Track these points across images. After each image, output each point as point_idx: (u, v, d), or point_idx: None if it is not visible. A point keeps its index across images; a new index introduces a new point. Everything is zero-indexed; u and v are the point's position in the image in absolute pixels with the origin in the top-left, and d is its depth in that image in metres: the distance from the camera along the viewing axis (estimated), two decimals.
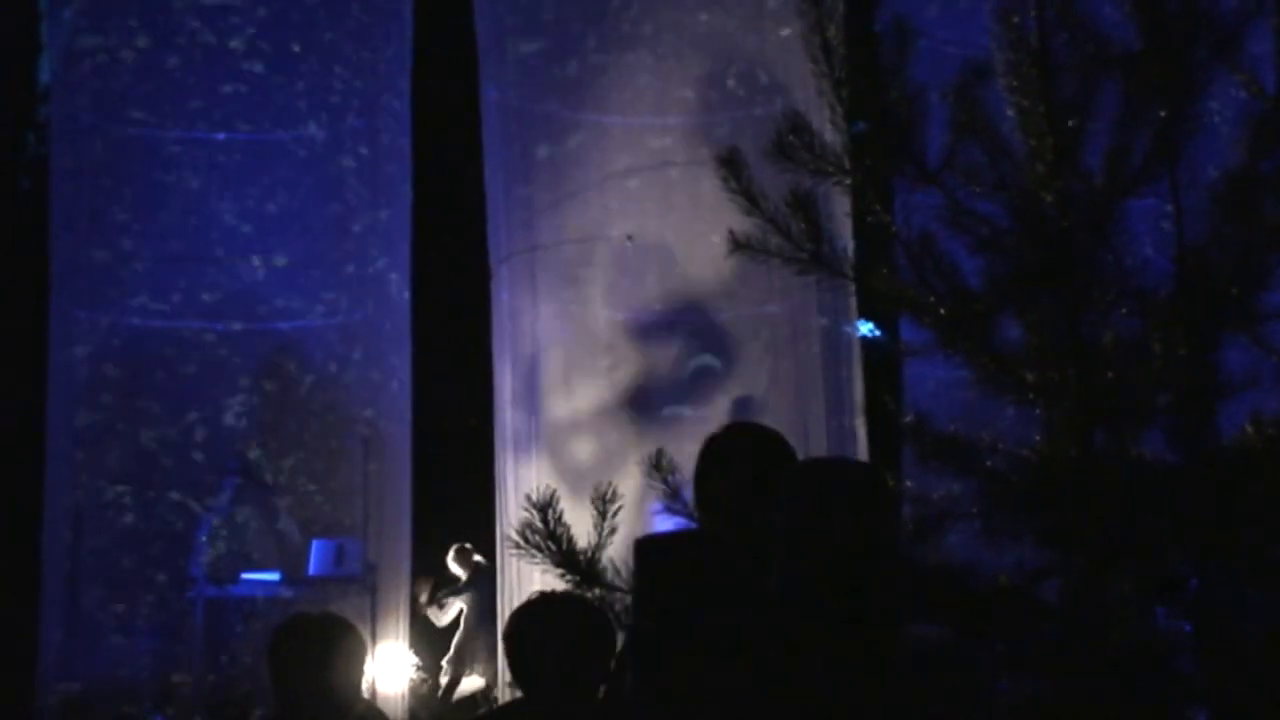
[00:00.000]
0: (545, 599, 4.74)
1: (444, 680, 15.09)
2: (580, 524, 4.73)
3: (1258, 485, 4.12)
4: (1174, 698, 4.20)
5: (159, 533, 12.65)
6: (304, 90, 13.48)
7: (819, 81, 4.49)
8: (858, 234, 4.73)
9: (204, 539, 12.29)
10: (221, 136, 13.28)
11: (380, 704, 11.38)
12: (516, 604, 11.86)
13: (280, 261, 13.31)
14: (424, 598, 15.18)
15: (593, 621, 4.58)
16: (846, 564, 3.42)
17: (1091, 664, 4.01)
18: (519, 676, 4.72)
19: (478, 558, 15.26)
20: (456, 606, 15.25)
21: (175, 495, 12.74)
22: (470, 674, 15.00)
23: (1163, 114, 4.26)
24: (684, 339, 12.45)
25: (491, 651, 14.04)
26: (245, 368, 13.14)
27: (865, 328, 13.10)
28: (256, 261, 13.25)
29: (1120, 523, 4.09)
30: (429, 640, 15.08)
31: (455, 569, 15.38)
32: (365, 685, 5.69)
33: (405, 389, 13.80)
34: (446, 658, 15.11)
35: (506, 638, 4.80)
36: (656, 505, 4.92)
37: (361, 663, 5.15)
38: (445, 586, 15.52)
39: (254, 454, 12.81)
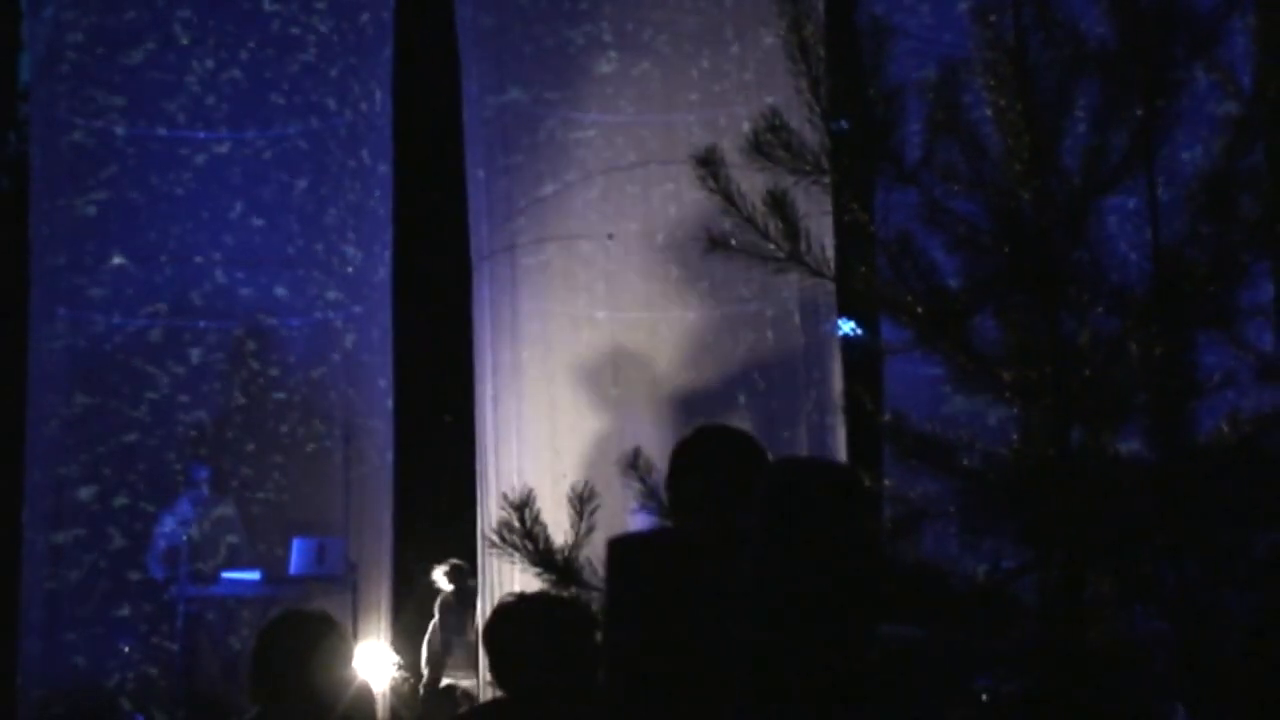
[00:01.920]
0: (523, 599, 4.73)
1: (422, 682, 15.04)
2: (560, 522, 4.73)
3: (1234, 483, 4.12)
4: (1152, 697, 4.21)
5: (139, 532, 12.62)
6: (285, 90, 13.45)
7: (797, 80, 4.49)
8: (836, 233, 4.72)
9: (164, 541, 12.29)
10: (202, 135, 13.26)
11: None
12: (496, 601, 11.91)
13: (261, 260, 13.29)
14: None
15: (572, 621, 4.57)
16: (822, 564, 3.42)
17: (1069, 663, 4.02)
18: (499, 676, 4.71)
19: (472, 582, 15.14)
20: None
21: (155, 495, 12.71)
22: (450, 674, 14.96)
23: (1139, 113, 4.26)
24: (664, 338, 12.46)
25: (473, 656, 14.04)
26: (226, 366, 13.11)
27: (845, 326, 13.09)
28: (237, 260, 13.23)
29: (1097, 521, 4.10)
30: (410, 639, 15.06)
31: (441, 581, 15.28)
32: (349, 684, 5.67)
33: (387, 387, 13.79)
34: (424, 661, 15.08)
35: (485, 637, 4.79)
36: (634, 505, 4.92)
37: (347, 661, 5.13)
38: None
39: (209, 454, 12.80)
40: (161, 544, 12.37)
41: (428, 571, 15.22)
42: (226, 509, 12.66)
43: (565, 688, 4.52)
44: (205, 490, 12.56)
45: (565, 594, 4.62)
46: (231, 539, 12.62)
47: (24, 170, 13.91)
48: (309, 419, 13.21)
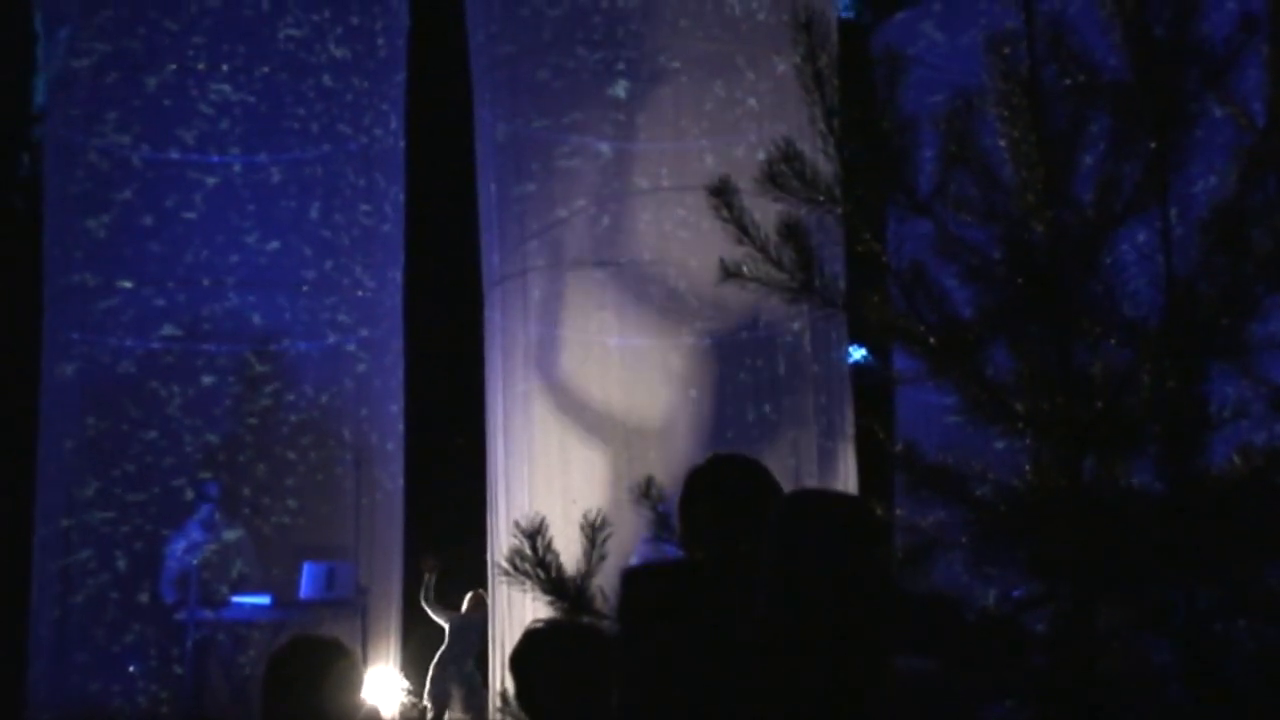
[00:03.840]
0: (552, 625, 4.71)
1: (429, 714, 14.99)
2: (571, 550, 4.73)
3: (1246, 515, 4.12)
4: None
5: (149, 556, 12.62)
6: (299, 115, 13.49)
7: (810, 109, 4.50)
8: (849, 262, 4.72)
9: (176, 564, 12.28)
10: (215, 159, 13.29)
11: None
12: (507, 629, 11.90)
13: (273, 284, 13.32)
14: (428, 579, 14.99)
15: (598, 649, 4.56)
16: (834, 595, 3.42)
17: (1080, 694, 4.01)
18: (524, 702, 4.70)
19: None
20: (443, 619, 15.14)
21: (165, 519, 12.71)
22: (451, 707, 14.92)
23: (1153, 145, 4.26)
24: (676, 365, 12.45)
25: (473, 688, 14.03)
26: (238, 389, 13.13)
27: (857, 354, 13.09)
28: (249, 283, 13.25)
29: (1109, 552, 4.09)
30: (420, 664, 15.04)
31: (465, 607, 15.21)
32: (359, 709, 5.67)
33: (398, 411, 13.80)
34: (425, 692, 15.03)
35: (513, 663, 4.79)
36: (645, 533, 4.91)
37: (357, 687, 5.12)
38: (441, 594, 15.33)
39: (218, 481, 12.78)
40: (174, 567, 12.37)
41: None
42: (236, 533, 12.65)
43: (589, 715, 4.50)
44: (215, 512, 12.53)
45: (585, 622, 4.61)
46: (241, 565, 12.61)
47: (38, 192, 13.94)
48: (320, 443, 13.22)
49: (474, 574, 14.68)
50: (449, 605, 14.89)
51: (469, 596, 14.99)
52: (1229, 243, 4.21)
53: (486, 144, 13.33)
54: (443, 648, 14.87)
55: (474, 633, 14.56)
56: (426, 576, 14.81)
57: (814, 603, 3.42)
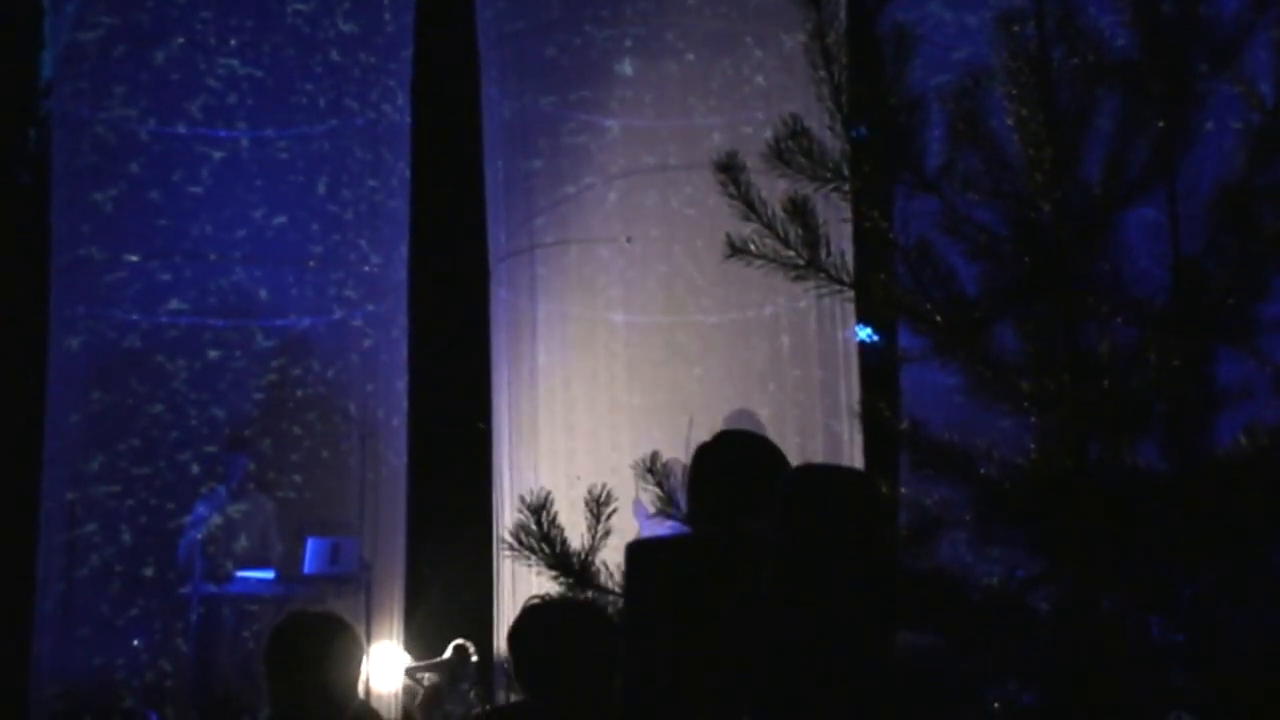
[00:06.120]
0: (549, 601, 4.73)
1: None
2: (576, 526, 4.74)
3: (1252, 496, 4.11)
4: (1166, 708, 4.20)
5: (154, 530, 12.62)
6: (306, 89, 13.47)
7: (818, 87, 4.49)
8: (856, 240, 4.71)
9: (198, 535, 12.27)
10: (223, 134, 13.27)
11: (374, 703, 11.39)
12: (511, 608, 11.90)
13: (280, 259, 13.30)
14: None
15: (596, 624, 4.58)
16: (840, 571, 3.42)
17: (1083, 674, 4.01)
18: (522, 678, 4.72)
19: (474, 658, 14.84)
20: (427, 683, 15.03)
21: (171, 493, 12.72)
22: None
23: (1161, 124, 4.26)
24: (681, 343, 12.45)
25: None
26: (243, 365, 13.12)
27: (863, 333, 13.07)
28: (256, 258, 13.24)
29: (1114, 532, 4.09)
30: (424, 641, 15.03)
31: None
32: (360, 685, 5.68)
33: (403, 388, 13.80)
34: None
35: (511, 638, 4.80)
36: (645, 510, 4.92)
37: (358, 663, 5.13)
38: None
39: (249, 454, 12.77)
40: (194, 533, 12.35)
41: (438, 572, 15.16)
42: (241, 507, 12.62)
43: (587, 690, 4.52)
44: (226, 488, 12.53)
45: (584, 597, 4.64)
46: (244, 539, 12.58)
47: (45, 166, 13.93)
48: (326, 418, 13.21)
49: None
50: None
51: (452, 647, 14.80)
52: (1237, 223, 4.21)
53: (493, 120, 13.33)
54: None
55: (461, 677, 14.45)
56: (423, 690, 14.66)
57: (819, 578, 3.42)
